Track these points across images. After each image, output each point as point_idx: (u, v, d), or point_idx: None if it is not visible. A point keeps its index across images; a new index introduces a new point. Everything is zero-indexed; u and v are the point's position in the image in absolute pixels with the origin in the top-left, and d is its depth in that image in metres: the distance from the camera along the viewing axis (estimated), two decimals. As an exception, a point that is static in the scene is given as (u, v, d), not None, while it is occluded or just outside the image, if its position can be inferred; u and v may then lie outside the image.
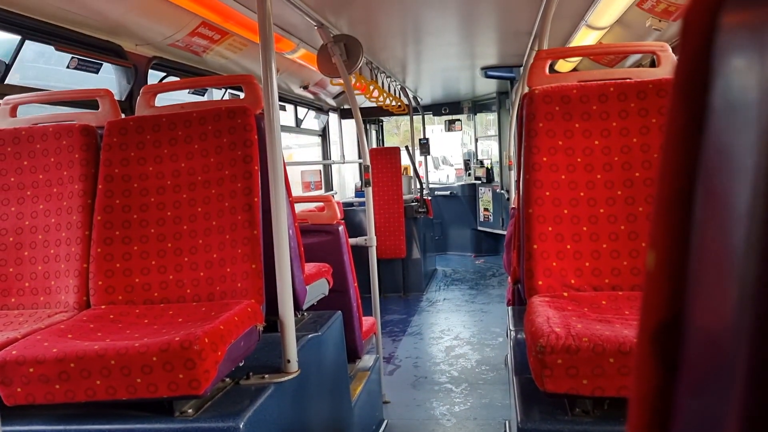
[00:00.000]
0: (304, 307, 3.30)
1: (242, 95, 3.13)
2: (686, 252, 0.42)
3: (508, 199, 8.71)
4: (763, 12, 0.34)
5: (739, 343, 0.34)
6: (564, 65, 7.30)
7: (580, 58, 7.02)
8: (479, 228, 12.21)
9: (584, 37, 5.97)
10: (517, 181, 2.98)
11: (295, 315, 2.95)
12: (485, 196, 11.91)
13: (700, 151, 0.41)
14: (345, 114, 10.50)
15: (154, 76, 4.79)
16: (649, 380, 0.44)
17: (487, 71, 8.92)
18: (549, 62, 3.07)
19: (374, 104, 8.64)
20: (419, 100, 12.20)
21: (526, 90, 2.93)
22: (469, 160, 13.07)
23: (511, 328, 2.94)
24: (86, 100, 3.61)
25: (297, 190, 9.08)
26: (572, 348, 1.93)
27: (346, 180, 12.33)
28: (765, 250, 0.33)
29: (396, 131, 19.84)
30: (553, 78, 2.99)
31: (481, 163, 12.64)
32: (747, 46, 0.36)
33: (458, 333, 7.28)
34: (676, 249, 0.42)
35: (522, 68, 7.52)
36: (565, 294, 2.56)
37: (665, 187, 0.43)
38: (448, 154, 22.60)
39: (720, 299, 0.37)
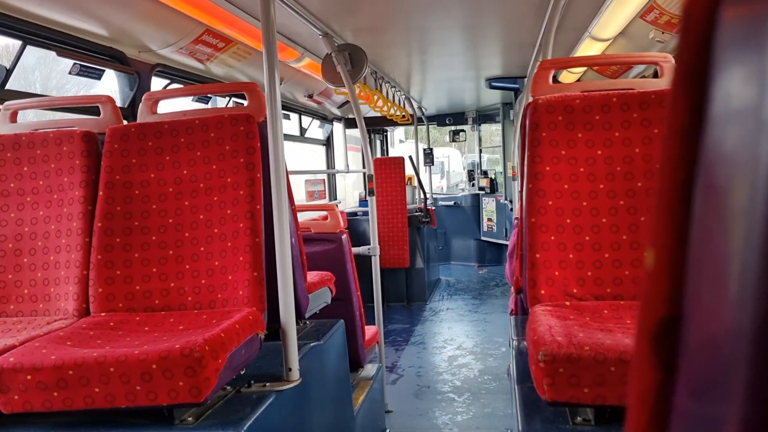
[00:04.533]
0: (307, 315, 3.29)
1: (246, 103, 3.12)
2: (686, 250, 0.41)
3: (512, 209, 8.70)
4: (761, 6, 0.34)
5: (739, 345, 0.33)
6: (568, 77, 7.31)
7: (584, 69, 7.03)
8: (483, 238, 12.20)
9: (588, 49, 5.97)
10: (521, 191, 2.98)
11: (297, 323, 2.94)
12: (489, 206, 11.91)
13: (701, 144, 0.40)
14: (350, 123, 10.50)
15: (158, 84, 4.80)
16: (647, 380, 0.43)
17: (491, 82, 8.94)
18: (552, 72, 3.06)
19: (379, 114, 8.64)
20: (424, 110, 12.20)
21: (530, 100, 2.93)
22: (473, 171, 13.08)
23: (513, 337, 2.93)
24: (87, 106, 3.61)
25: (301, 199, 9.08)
26: (574, 356, 1.92)
27: (347, 189, 12.34)
28: (765, 248, 0.32)
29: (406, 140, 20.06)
30: (556, 88, 2.99)
31: (485, 173, 12.64)
32: (746, 40, 0.36)
33: (461, 342, 7.26)
34: (676, 246, 0.42)
35: (526, 79, 7.53)
36: (567, 303, 2.55)
37: (665, 182, 0.42)
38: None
39: (719, 299, 0.36)
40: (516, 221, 4.14)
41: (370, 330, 4.77)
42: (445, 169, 12.32)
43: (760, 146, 0.33)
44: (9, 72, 3.53)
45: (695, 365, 0.39)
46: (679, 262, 0.41)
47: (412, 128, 12.85)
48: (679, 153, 0.41)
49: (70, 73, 3.90)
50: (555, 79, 6.77)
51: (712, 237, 0.38)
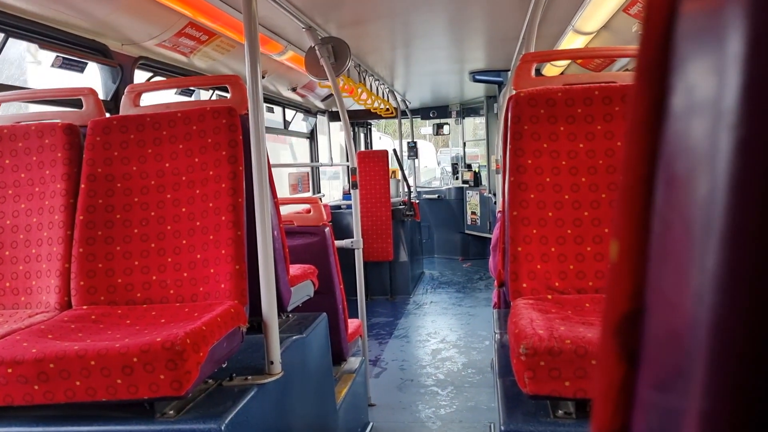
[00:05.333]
0: (289, 308, 3.29)
1: (229, 96, 3.11)
2: (648, 243, 0.41)
3: (496, 202, 8.71)
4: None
5: (699, 337, 0.34)
6: (552, 70, 7.32)
7: (568, 63, 7.04)
8: (467, 231, 12.20)
9: (571, 42, 5.99)
10: (503, 184, 2.98)
11: (280, 316, 2.94)
12: (473, 199, 11.91)
13: (662, 137, 0.40)
14: (333, 116, 10.48)
15: (141, 77, 4.77)
16: (612, 373, 0.44)
17: (475, 75, 8.94)
18: (535, 65, 3.07)
19: (362, 107, 8.63)
20: (408, 103, 12.19)
21: (513, 93, 2.94)
22: (456, 164, 13.08)
23: (495, 330, 2.94)
24: (70, 99, 3.59)
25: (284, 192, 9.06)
26: (555, 350, 1.93)
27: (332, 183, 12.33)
28: (725, 239, 0.32)
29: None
30: (538, 81, 3.00)
31: (469, 166, 12.64)
32: (705, 32, 0.36)
33: (445, 336, 7.28)
34: (639, 239, 0.42)
35: (510, 72, 7.53)
36: (549, 296, 2.56)
37: (628, 174, 0.43)
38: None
39: (679, 291, 0.36)
40: (499, 214, 4.16)
41: (353, 323, 4.77)
42: (415, 165, 12.14)
43: (718, 138, 0.33)
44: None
45: (657, 358, 0.40)
46: (642, 255, 0.42)
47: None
48: (642, 146, 0.42)
49: (52, 66, 3.87)
50: (539, 73, 6.79)
51: (673, 229, 0.38)
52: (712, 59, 0.35)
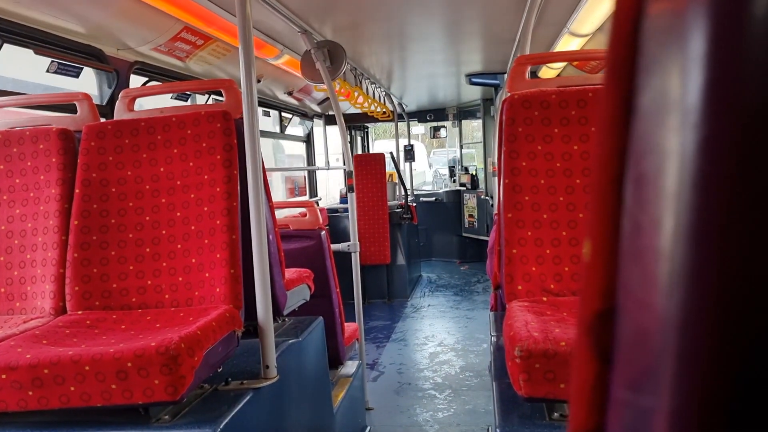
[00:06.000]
0: (285, 312, 3.29)
1: (224, 100, 3.11)
2: (620, 241, 0.41)
3: (493, 205, 8.71)
4: (682, 1, 0.34)
5: (667, 335, 0.34)
6: (547, 72, 7.32)
7: (564, 65, 7.04)
8: (464, 234, 12.20)
9: (567, 44, 5.99)
10: (498, 187, 2.99)
11: (276, 320, 2.94)
12: (470, 202, 11.91)
13: (630, 136, 0.41)
14: (330, 120, 10.48)
15: (137, 82, 4.77)
16: (586, 372, 0.44)
17: (471, 78, 8.93)
18: (529, 68, 3.07)
19: (359, 110, 8.63)
20: (404, 106, 12.18)
21: (508, 95, 2.94)
22: (453, 167, 13.08)
23: (492, 333, 2.94)
24: (64, 104, 3.59)
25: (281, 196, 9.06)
26: (550, 352, 1.93)
27: (330, 186, 12.30)
28: (691, 237, 0.32)
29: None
30: (533, 83, 3.00)
31: (466, 169, 12.64)
32: (669, 33, 0.37)
33: (442, 339, 7.27)
34: (610, 238, 0.42)
35: (505, 75, 7.53)
36: (545, 299, 2.56)
37: (599, 174, 0.43)
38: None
39: (649, 290, 0.36)
40: (496, 217, 4.16)
41: (350, 327, 4.76)
42: (411, 168, 11.95)
43: (683, 137, 0.33)
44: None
45: (629, 357, 0.40)
46: (614, 254, 0.42)
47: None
48: (612, 145, 0.42)
49: (47, 71, 3.87)
50: (535, 75, 6.79)
51: (642, 228, 0.38)
52: (677, 59, 0.35)
